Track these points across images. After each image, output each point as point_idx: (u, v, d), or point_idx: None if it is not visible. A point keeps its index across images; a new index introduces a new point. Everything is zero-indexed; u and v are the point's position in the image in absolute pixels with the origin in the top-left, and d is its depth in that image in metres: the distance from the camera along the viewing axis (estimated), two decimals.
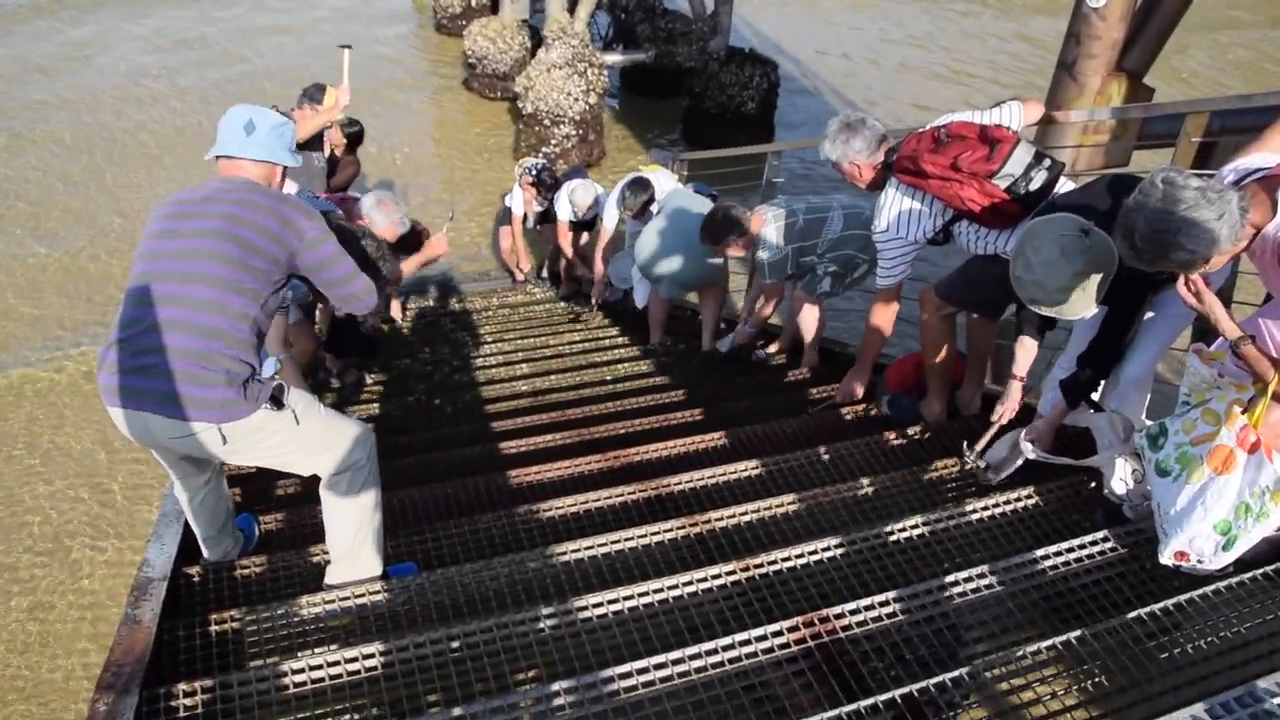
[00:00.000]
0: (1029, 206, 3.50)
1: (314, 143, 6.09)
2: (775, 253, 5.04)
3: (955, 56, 16.03)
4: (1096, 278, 2.92)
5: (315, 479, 3.06)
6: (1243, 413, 2.55)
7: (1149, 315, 3.25)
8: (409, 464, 4.29)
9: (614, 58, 13.70)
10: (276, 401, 2.80)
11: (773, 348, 5.97)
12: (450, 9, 16.20)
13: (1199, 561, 2.62)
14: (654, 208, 6.23)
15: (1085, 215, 3.00)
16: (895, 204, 3.91)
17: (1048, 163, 3.49)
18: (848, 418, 4.49)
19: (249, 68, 14.79)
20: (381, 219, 4.76)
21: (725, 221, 5.11)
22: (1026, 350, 3.47)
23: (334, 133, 6.72)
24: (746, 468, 3.86)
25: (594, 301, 7.68)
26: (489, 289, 8.83)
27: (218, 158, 3.00)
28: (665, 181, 6.75)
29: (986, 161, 3.46)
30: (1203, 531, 2.57)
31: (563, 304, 8.31)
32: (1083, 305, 3.00)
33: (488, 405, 5.46)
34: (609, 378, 5.86)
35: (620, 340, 6.84)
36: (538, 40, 13.10)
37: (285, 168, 3.09)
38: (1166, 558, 2.68)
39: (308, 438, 2.90)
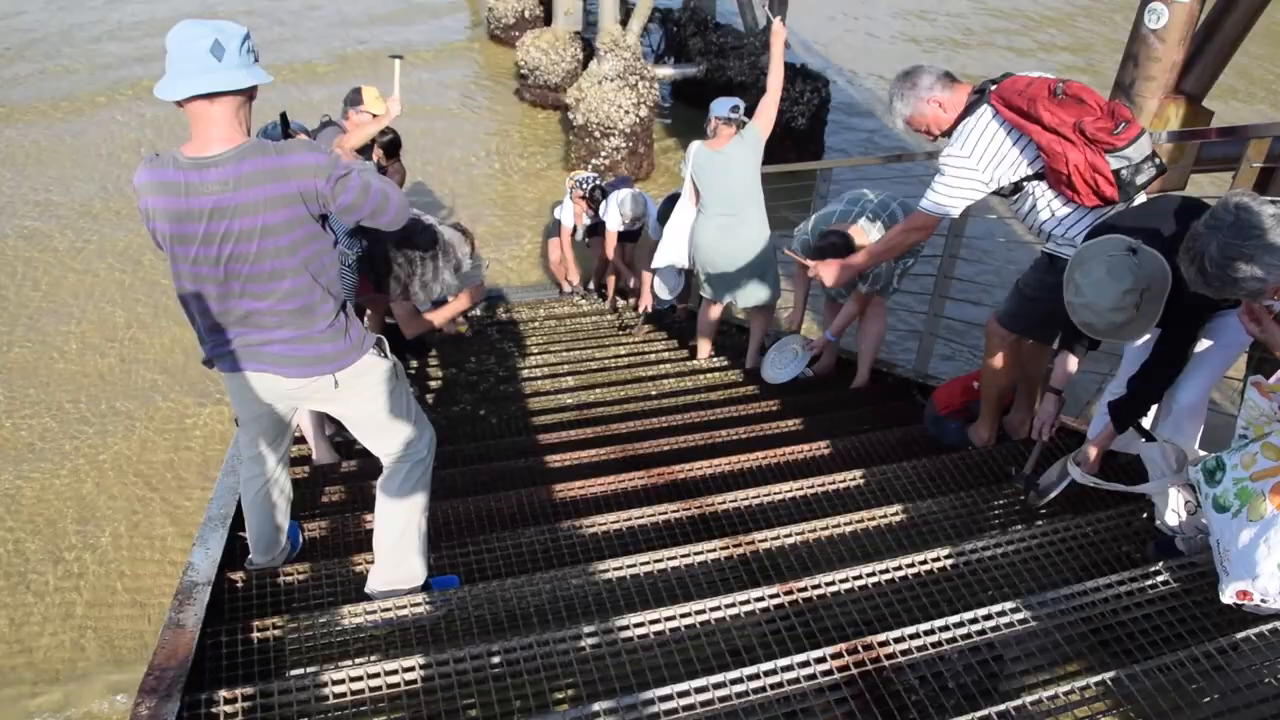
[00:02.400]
0: (1123, 197, 3.34)
1: (364, 152, 6.13)
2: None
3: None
4: (1150, 297, 2.86)
5: (361, 487, 3.10)
6: None
7: (1204, 341, 3.19)
8: (453, 475, 4.30)
9: (665, 71, 13.72)
10: (380, 349, 2.99)
11: (821, 365, 5.94)
12: (504, 19, 16.31)
13: (1262, 600, 2.55)
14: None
15: (1141, 235, 2.95)
16: (987, 133, 3.52)
17: (1158, 162, 3.37)
18: (894, 442, 4.44)
19: (300, 57, 15.03)
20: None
21: (843, 247, 4.82)
22: (1068, 365, 3.41)
23: (378, 153, 6.75)
24: (791, 489, 3.82)
25: (640, 310, 7.66)
26: (536, 299, 8.85)
27: (181, 103, 2.50)
28: None
29: (1112, 135, 3.24)
30: (1267, 570, 2.49)
31: (609, 315, 8.31)
32: (1138, 328, 2.95)
33: (533, 418, 5.46)
34: (654, 392, 5.85)
35: (666, 354, 6.82)
36: (590, 52, 13.17)
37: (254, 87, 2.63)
38: (1228, 597, 2.61)
39: (399, 399, 3.06)
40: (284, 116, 5.40)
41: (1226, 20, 4.53)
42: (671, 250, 6.18)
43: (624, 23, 12.26)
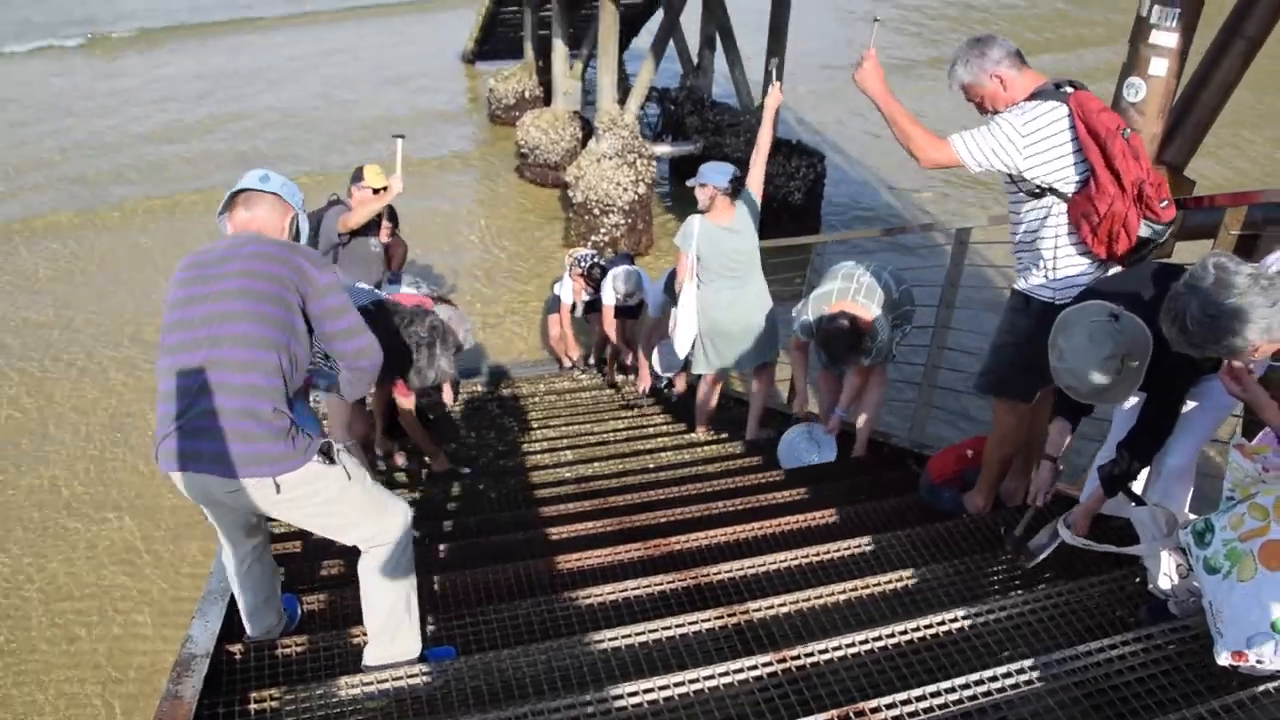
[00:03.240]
0: (1128, 263, 3.42)
1: (369, 229, 6.26)
2: (886, 332, 5.07)
3: None
4: (1131, 363, 2.92)
5: (356, 560, 3.12)
6: None
7: (1190, 405, 3.24)
8: (452, 548, 4.32)
9: (663, 149, 13.95)
10: (327, 456, 2.87)
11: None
12: (504, 100, 16.64)
13: (1258, 662, 2.56)
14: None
15: (1123, 300, 3.01)
16: (1055, 125, 3.42)
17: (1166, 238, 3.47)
18: (889, 511, 4.47)
19: (304, 141, 15.31)
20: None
21: (851, 330, 4.89)
22: (1060, 431, 3.46)
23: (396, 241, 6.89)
24: (786, 558, 3.85)
25: (640, 389, 7.74)
26: (536, 375, 8.92)
27: (233, 196, 3.07)
28: None
29: (1158, 204, 3.30)
30: (1261, 630, 2.51)
31: (608, 391, 8.38)
32: (1120, 392, 3.00)
33: (531, 491, 5.50)
34: (651, 465, 5.89)
35: (664, 428, 6.88)
36: (589, 131, 13.42)
37: (295, 215, 3.17)
38: (1223, 659, 2.62)
39: (355, 499, 2.97)
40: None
41: (1202, 94, 4.65)
42: (689, 329, 6.07)
43: (622, 102, 12.51)
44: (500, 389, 8.34)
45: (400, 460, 5.99)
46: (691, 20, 14.79)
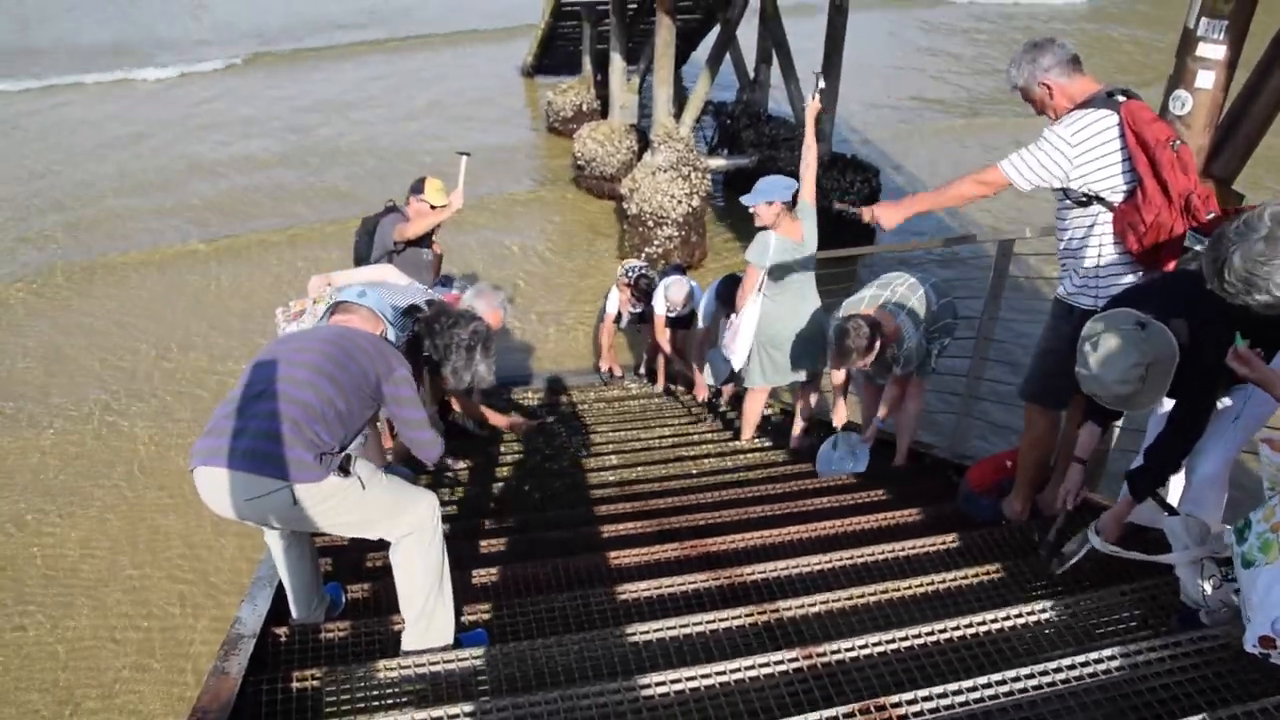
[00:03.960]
0: (1173, 268, 3.44)
1: (424, 240, 6.40)
2: (916, 340, 5.08)
3: None
4: (1156, 370, 2.94)
5: None
6: None
7: (1223, 414, 3.24)
8: (493, 545, 4.42)
9: (718, 162, 14.04)
10: (344, 470, 2.99)
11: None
12: (562, 112, 16.85)
13: None
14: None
15: (1153, 308, 3.03)
16: (1104, 134, 3.49)
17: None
18: (925, 518, 4.49)
19: (374, 157, 15.63)
20: (484, 306, 4.91)
21: (861, 331, 4.92)
22: (1090, 435, 3.48)
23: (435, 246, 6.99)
24: (819, 561, 3.89)
25: (697, 396, 7.83)
26: (587, 383, 9.02)
27: (334, 306, 3.65)
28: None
29: (1204, 214, 3.34)
30: None
31: (657, 399, 8.44)
32: (1145, 399, 3.02)
33: (573, 492, 5.59)
34: (694, 471, 5.95)
35: (710, 436, 6.92)
36: (644, 144, 13.53)
37: (386, 329, 3.64)
38: (1251, 645, 2.64)
39: (374, 503, 3.08)
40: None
41: (1252, 107, 4.62)
42: (747, 341, 6.11)
43: (678, 116, 12.61)
44: (550, 396, 8.45)
45: (449, 461, 6.10)
46: (748, 36, 14.87)
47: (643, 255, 12.04)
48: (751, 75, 15.41)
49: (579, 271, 12.24)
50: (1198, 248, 3.33)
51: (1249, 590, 2.66)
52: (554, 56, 19.30)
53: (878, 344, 4.91)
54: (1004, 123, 17.78)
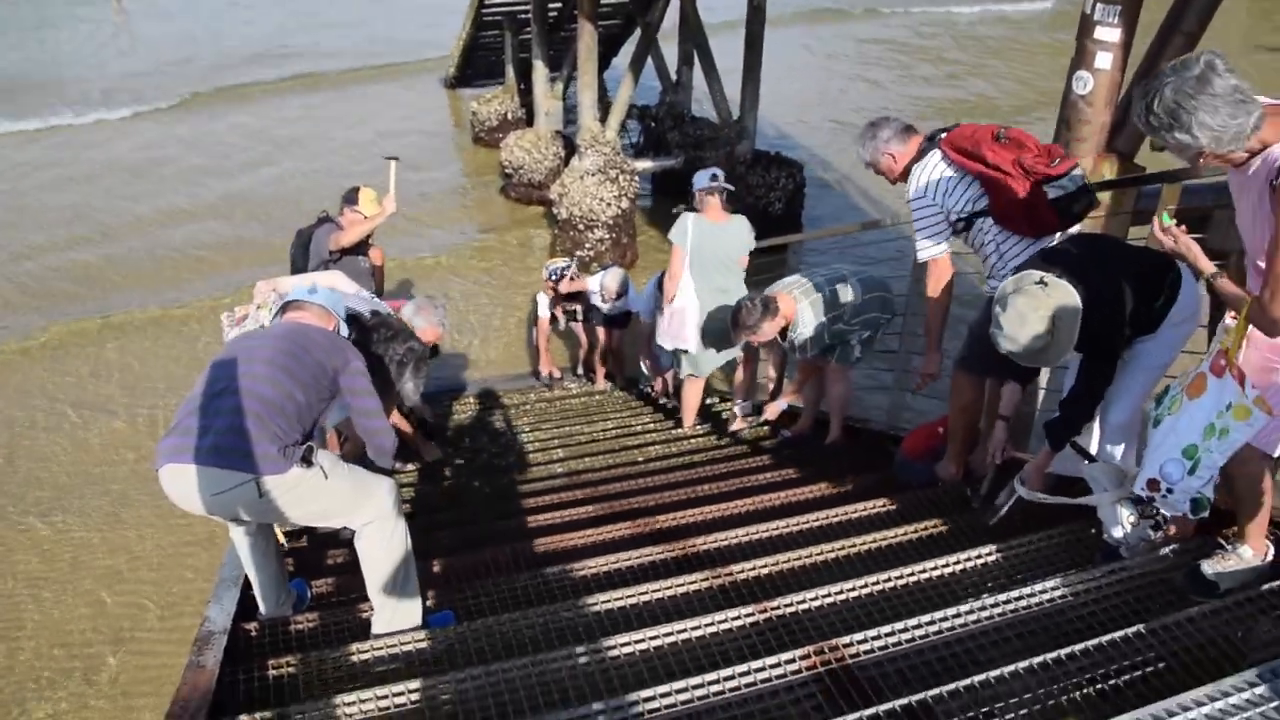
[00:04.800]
0: (1062, 224, 3.74)
1: (360, 248, 6.48)
2: (813, 327, 5.31)
3: None
4: (1061, 324, 3.15)
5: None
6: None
7: (1129, 365, 3.48)
8: (447, 535, 4.54)
9: (645, 164, 14.23)
10: (306, 461, 3.10)
11: (798, 427, 6.21)
12: (487, 122, 16.93)
13: (1168, 491, 2.83)
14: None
15: (1057, 266, 3.26)
16: (935, 171, 4.11)
17: (1091, 199, 3.78)
18: (866, 484, 4.70)
19: (297, 174, 15.54)
20: (422, 322, 5.03)
21: (754, 308, 5.29)
22: (1012, 392, 3.71)
23: (375, 251, 7.05)
24: (768, 528, 4.07)
25: (655, 388, 7.98)
26: (527, 385, 9.13)
27: (285, 306, 3.69)
28: None
29: (1048, 165, 3.73)
30: (1173, 456, 2.80)
31: (598, 396, 8.59)
32: (1054, 352, 3.23)
33: (523, 485, 5.71)
34: (640, 459, 6.11)
35: (652, 426, 7.09)
36: (571, 149, 13.68)
37: (339, 323, 3.72)
38: (1140, 487, 2.94)
39: (336, 491, 3.21)
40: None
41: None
42: (693, 316, 6.35)
43: (603, 120, 12.78)
44: (491, 400, 8.55)
45: (396, 465, 6.19)
46: (669, 39, 15.09)
47: (574, 258, 12.17)
48: (674, 78, 15.64)
49: (511, 279, 12.33)
50: (1060, 198, 3.81)
51: (1151, 443, 2.91)
52: (476, 67, 19.35)
53: (768, 323, 5.24)
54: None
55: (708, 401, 7.25)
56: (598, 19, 12.50)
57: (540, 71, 14.55)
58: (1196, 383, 2.88)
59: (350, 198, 6.51)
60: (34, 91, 20.63)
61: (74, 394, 9.37)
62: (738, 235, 6.11)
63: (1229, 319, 2.97)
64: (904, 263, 6.30)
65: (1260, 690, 2.29)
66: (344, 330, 3.73)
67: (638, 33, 14.31)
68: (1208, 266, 2.84)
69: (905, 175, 4.26)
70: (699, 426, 6.68)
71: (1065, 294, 3.18)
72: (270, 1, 30.28)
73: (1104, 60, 4.62)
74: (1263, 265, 2.64)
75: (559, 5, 15.79)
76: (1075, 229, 3.96)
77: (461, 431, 7.29)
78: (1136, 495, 3.36)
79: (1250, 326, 2.71)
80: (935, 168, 4.11)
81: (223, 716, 2.74)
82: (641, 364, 8.05)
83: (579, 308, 8.59)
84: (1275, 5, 25.98)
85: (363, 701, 2.79)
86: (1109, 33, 4.57)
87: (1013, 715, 2.41)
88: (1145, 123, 2.66)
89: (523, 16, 16.05)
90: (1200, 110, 2.52)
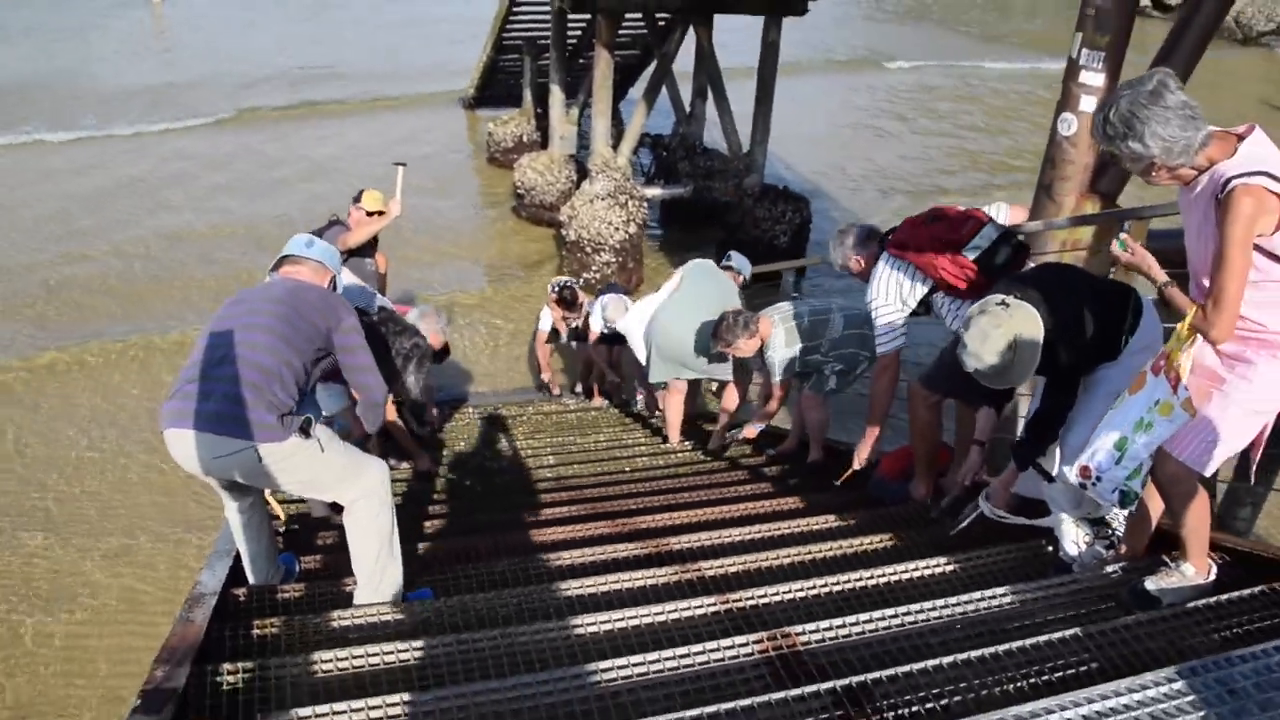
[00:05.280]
0: (990, 275, 3.95)
1: (367, 249, 6.70)
2: (784, 352, 5.52)
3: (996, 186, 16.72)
4: (1023, 343, 3.32)
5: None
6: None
7: (1091, 390, 3.65)
8: (432, 525, 4.70)
9: (654, 191, 14.46)
10: (304, 431, 3.29)
11: (783, 446, 6.38)
12: (503, 143, 17.21)
13: (1097, 479, 3.03)
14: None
15: (1018, 290, 3.43)
16: (885, 274, 4.53)
17: (1014, 241, 3.99)
18: (839, 499, 4.86)
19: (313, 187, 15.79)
20: (426, 327, 5.21)
21: (735, 323, 5.58)
22: (985, 418, 3.87)
23: (380, 258, 7.27)
24: (740, 533, 4.24)
25: (645, 403, 8.16)
26: (526, 399, 9.31)
27: (281, 260, 3.76)
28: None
29: (958, 234, 4.02)
30: (1105, 447, 2.99)
31: (593, 413, 8.76)
32: (1018, 372, 3.40)
33: (512, 485, 5.88)
34: (628, 469, 6.28)
35: (642, 440, 7.27)
36: (583, 174, 13.92)
37: (334, 276, 3.83)
38: (1074, 474, 3.16)
39: (331, 464, 3.40)
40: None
41: None
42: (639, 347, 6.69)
43: (616, 146, 13.02)
44: (489, 411, 8.72)
45: (391, 462, 6.35)
46: (685, 71, 15.37)
47: (581, 280, 12.38)
48: (688, 109, 15.91)
49: (518, 295, 12.54)
50: (979, 256, 4.23)
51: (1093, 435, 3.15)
52: (495, 89, 19.68)
53: (744, 340, 5.56)
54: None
55: (698, 423, 7.42)
56: (615, 48, 12.78)
57: (557, 96, 14.83)
58: (1139, 380, 3.06)
59: (356, 198, 6.74)
60: (67, 99, 20.85)
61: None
62: (729, 291, 6.50)
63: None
64: None
65: (1177, 685, 2.45)
66: (340, 284, 3.87)
67: (654, 63, 14.59)
68: (1160, 276, 3.02)
69: (868, 275, 4.71)
70: (686, 443, 6.85)
71: (1026, 314, 3.35)
72: (303, 19, 30.62)
73: (1088, 104, 4.81)
74: (1206, 282, 2.83)
75: (578, 33, 16.09)
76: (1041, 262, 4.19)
77: (457, 437, 7.47)
78: (1090, 515, 3.55)
79: (1195, 349, 2.90)
80: (885, 271, 4.55)
81: (207, 663, 2.90)
82: (635, 382, 8.23)
83: (580, 323, 8.77)
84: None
85: (339, 660, 2.95)
86: (1093, 77, 4.76)
87: (946, 700, 2.56)
88: (1102, 133, 2.85)
89: (542, 42, 16.38)
90: (1153, 120, 2.71)
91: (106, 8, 30.49)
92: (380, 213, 6.67)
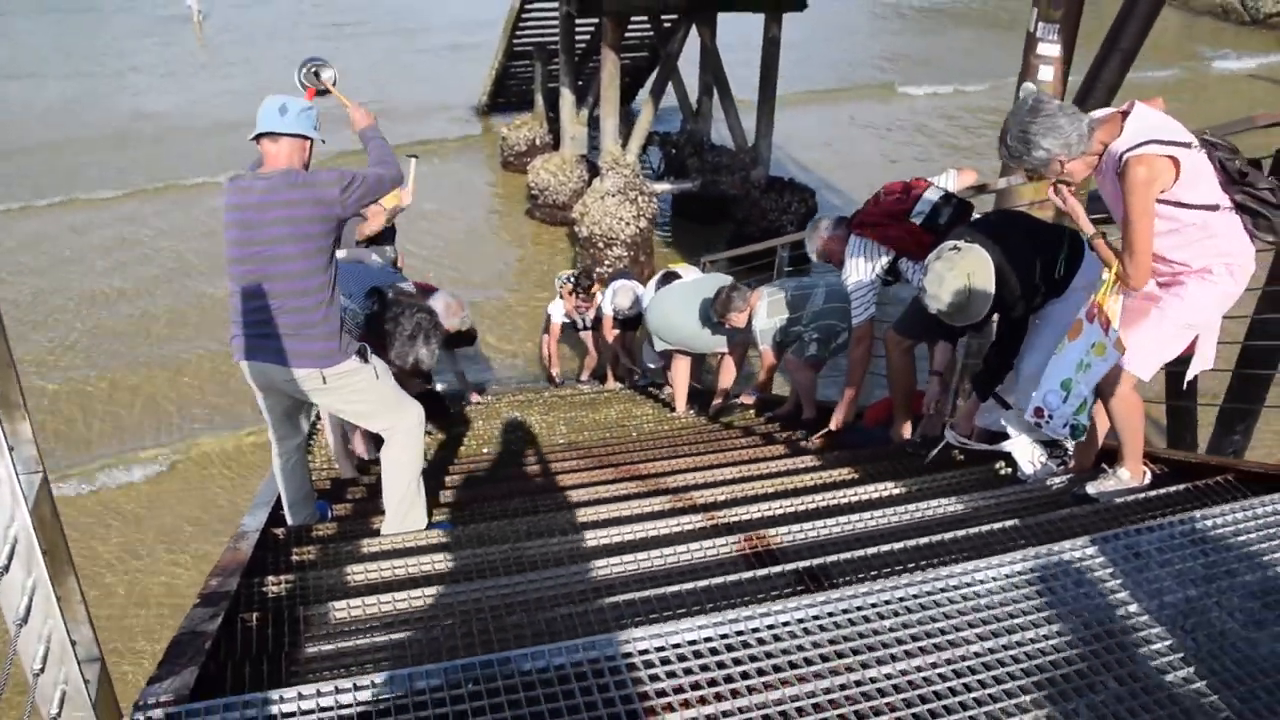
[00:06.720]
0: (940, 238, 4.34)
1: (386, 237, 7.14)
2: (765, 323, 5.98)
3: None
4: (976, 280, 3.71)
5: (373, 489, 3.93)
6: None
7: (1040, 323, 4.03)
8: (454, 478, 5.12)
9: (662, 186, 14.87)
10: (362, 355, 3.74)
11: (781, 409, 6.77)
12: (516, 147, 17.67)
13: (1050, 417, 3.41)
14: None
15: (970, 235, 3.82)
16: (853, 252, 4.90)
17: (955, 202, 4.37)
18: (820, 443, 5.26)
19: None
20: (444, 310, 5.60)
21: (729, 296, 6.07)
22: (943, 351, 4.26)
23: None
24: (731, 473, 4.64)
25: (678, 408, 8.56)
26: (541, 386, 9.71)
27: (258, 136, 3.66)
28: (691, 274, 7.70)
29: (900, 204, 4.34)
30: (1053, 388, 3.39)
31: (606, 393, 9.14)
32: (974, 308, 3.79)
33: (525, 449, 6.30)
34: (634, 434, 6.68)
35: (650, 412, 7.66)
36: (595, 173, 14.33)
37: (312, 143, 3.77)
38: (1030, 415, 3.54)
39: (382, 393, 3.85)
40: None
41: (1089, 99, 5.47)
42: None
43: (625, 144, 13.44)
44: (505, 393, 9.13)
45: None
46: (691, 72, 15.77)
47: (594, 275, 12.77)
48: (695, 107, 16.31)
49: (533, 291, 12.96)
50: (924, 220, 4.70)
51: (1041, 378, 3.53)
52: (507, 94, 20.16)
53: (734, 312, 6.07)
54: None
55: (704, 397, 7.81)
56: (622, 50, 13.20)
57: (567, 99, 15.25)
58: (1075, 326, 3.44)
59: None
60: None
61: None
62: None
63: (1103, 274, 3.54)
64: None
65: (1089, 550, 2.82)
66: (318, 138, 3.79)
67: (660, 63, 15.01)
68: (1088, 228, 3.40)
69: (842, 258, 5.17)
70: (690, 410, 7.25)
71: (977, 255, 3.74)
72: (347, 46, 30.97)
73: (1046, 73, 5.21)
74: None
75: (586, 37, 16.54)
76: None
77: (476, 416, 7.87)
78: (1045, 438, 3.92)
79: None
80: (854, 249, 5.02)
81: (254, 576, 3.33)
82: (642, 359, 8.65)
83: (591, 312, 9.15)
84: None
85: (368, 572, 3.37)
86: (1049, 48, 5.16)
87: (890, 571, 2.95)
88: (1010, 157, 3.31)
89: (552, 47, 16.84)
90: (1041, 129, 3.17)
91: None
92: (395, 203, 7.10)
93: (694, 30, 14.09)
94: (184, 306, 12.24)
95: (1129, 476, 3.60)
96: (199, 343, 11.19)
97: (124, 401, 10.07)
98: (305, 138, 3.70)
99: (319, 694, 2.13)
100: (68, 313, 12.03)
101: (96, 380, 10.41)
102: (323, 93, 4.65)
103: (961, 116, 21.02)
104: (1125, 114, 3.21)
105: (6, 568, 1.72)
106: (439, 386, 7.73)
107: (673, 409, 7.44)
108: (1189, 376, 3.66)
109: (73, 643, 1.86)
